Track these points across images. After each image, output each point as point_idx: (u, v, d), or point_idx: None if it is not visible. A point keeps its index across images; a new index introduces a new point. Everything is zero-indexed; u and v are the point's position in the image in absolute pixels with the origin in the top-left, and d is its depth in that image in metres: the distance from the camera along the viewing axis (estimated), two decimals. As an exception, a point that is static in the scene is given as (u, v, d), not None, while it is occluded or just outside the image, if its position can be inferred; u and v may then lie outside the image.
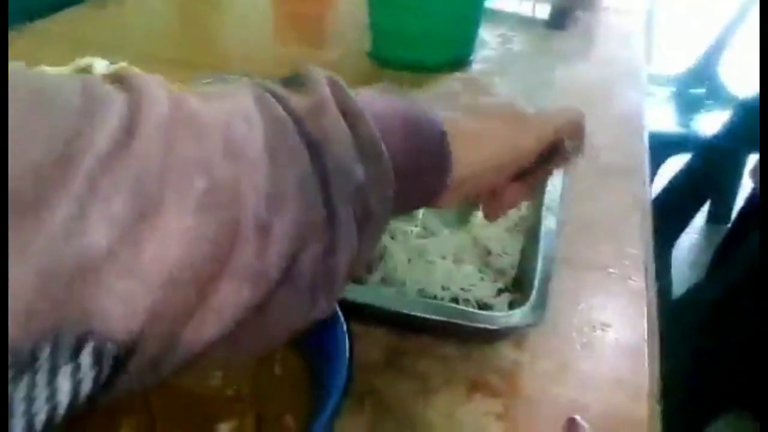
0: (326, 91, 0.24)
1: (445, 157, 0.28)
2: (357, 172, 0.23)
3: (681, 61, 2.18)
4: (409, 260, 0.48)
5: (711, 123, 1.71)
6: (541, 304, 0.41)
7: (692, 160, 1.54)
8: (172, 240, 0.17)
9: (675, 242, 1.57)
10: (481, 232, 0.50)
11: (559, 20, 0.99)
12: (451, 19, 0.79)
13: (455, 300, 0.45)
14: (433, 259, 0.48)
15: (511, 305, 0.44)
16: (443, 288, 0.46)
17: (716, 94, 2.06)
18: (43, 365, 0.15)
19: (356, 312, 0.38)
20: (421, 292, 0.45)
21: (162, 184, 0.17)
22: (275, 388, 0.31)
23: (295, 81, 0.25)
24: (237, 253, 0.19)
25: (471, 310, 0.42)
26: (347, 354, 0.28)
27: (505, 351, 0.43)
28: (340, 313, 0.30)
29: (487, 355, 0.42)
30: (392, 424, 0.38)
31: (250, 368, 0.31)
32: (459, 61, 0.84)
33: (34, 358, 0.15)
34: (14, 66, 0.17)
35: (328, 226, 0.22)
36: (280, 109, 0.23)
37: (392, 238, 0.50)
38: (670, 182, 1.53)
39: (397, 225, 0.50)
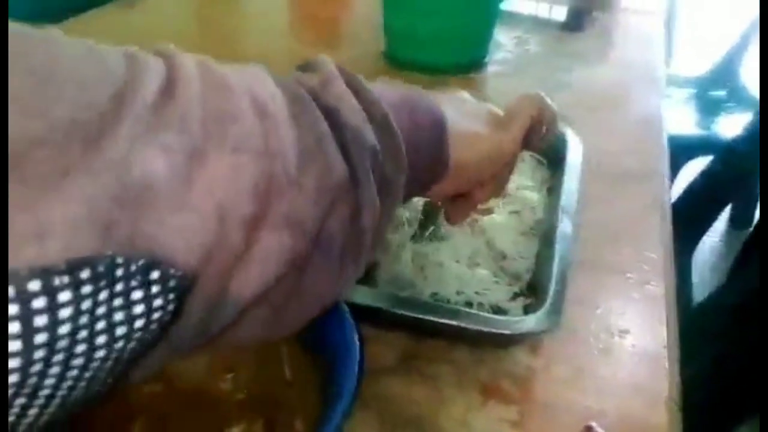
0: (333, 69, 0.27)
1: (445, 142, 0.32)
2: (369, 137, 0.25)
3: (701, 61, 2.16)
4: (423, 265, 0.47)
5: (732, 126, 1.67)
6: (557, 309, 0.40)
7: (713, 163, 1.52)
8: (217, 179, 0.19)
9: (696, 246, 1.55)
10: (496, 235, 0.50)
11: (576, 22, 0.98)
12: (464, 20, 0.79)
13: (469, 304, 0.44)
14: (447, 263, 0.47)
15: (526, 310, 0.44)
16: (457, 292, 0.45)
17: (738, 97, 2.02)
18: (119, 285, 0.17)
19: (369, 315, 0.38)
20: (435, 296, 0.45)
21: (203, 128, 0.19)
22: (285, 393, 0.31)
23: (305, 67, 0.28)
24: (275, 205, 0.21)
25: (485, 314, 0.41)
26: (358, 356, 0.28)
27: (520, 356, 0.42)
28: (350, 316, 0.30)
29: (502, 360, 0.42)
30: (403, 430, 0.37)
31: (260, 372, 0.31)
32: (473, 63, 0.84)
33: (111, 275, 0.16)
34: (58, 32, 0.18)
35: (351, 186, 0.24)
36: (294, 83, 0.25)
37: (404, 238, 0.49)
38: (690, 186, 1.51)
39: (411, 224, 0.50)
